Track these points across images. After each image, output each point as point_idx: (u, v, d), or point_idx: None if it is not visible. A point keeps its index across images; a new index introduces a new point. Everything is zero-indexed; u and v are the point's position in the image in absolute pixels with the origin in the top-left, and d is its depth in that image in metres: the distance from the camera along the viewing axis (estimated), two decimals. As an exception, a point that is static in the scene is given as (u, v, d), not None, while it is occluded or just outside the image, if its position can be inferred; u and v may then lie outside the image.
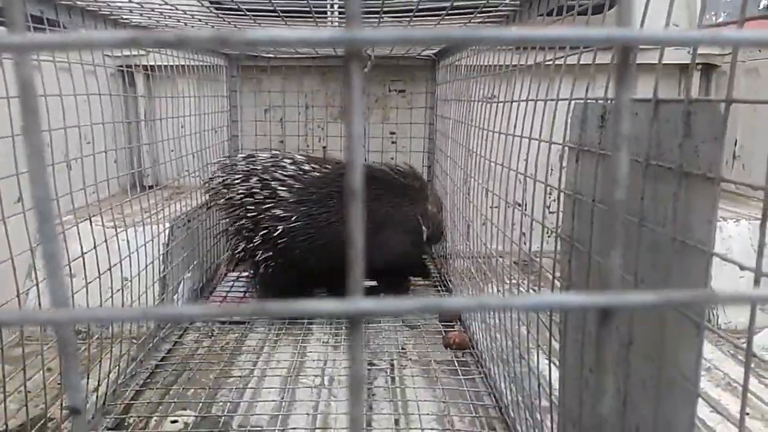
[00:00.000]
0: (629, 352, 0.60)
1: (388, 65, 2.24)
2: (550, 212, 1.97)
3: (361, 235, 0.16)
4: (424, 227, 1.81)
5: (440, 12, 1.24)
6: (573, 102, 0.76)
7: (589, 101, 0.71)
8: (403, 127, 2.34)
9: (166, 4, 1.02)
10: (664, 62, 0.60)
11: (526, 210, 1.02)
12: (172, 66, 1.77)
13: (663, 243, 0.54)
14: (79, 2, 1.04)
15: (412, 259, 1.92)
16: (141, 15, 1.20)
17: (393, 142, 2.37)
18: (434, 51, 2.05)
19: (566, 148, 0.77)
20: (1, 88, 0.92)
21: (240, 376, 1.41)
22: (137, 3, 1.02)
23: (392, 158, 2.33)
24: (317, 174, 1.77)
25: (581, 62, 0.80)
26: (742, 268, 0.45)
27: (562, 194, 0.79)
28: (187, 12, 1.13)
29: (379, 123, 2.36)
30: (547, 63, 0.95)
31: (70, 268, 1.20)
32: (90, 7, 1.12)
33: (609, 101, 0.66)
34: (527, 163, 1.06)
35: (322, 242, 1.71)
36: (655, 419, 0.55)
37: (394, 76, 2.32)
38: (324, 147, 2.36)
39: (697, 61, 2.06)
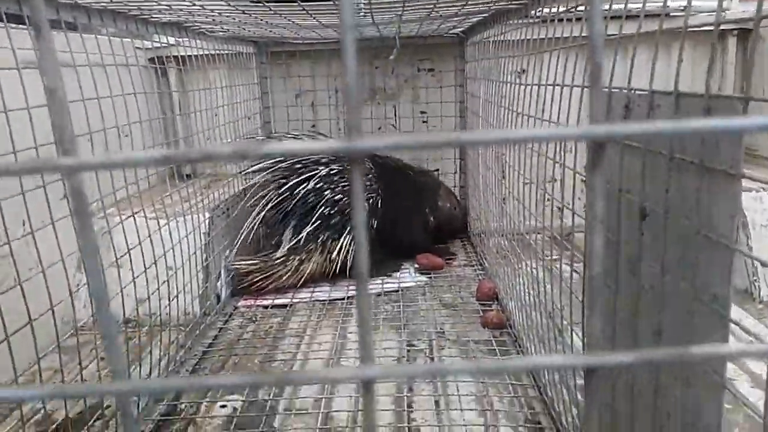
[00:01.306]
0: (659, 341, 0.61)
1: (416, 44, 2.24)
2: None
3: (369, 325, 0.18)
4: (431, 218, 2.10)
5: None
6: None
7: (613, 90, 0.72)
8: (433, 106, 2.34)
9: (194, 5, 1.04)
10: (696, 29, 0.60)
11: (562, 185, 1.02)
12: (203, 55, 1.80)
13: (689, 235, 0.55)
14: (110, 6, 1.07)
15: (422, 246, 2.11)
16: (170, 14, 1.22)
17: (424, 122, 2.37)
18: (462, 29, 2.03)
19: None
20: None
21: (284, 360, 1.45)
22: (166, 5, 1.04)
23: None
24: None
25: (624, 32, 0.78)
26: (764, 264, 0.45)
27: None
28: (215, 10, 1.15)
29: (410, 103, 2.36)
30: (577, 36, 0.94)
31: (117, 261, 1.25)
32: (120, 9, 1.15)
33: (632, 90, 0.66)
34: (558, 145, 1.06)
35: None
36: (684, 407, 0.57)
37: (422, 55, 2.32)
38: (356, 129, 2.37)
39: (732, 27, 2.01)
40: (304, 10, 1.20)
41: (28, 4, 0.20)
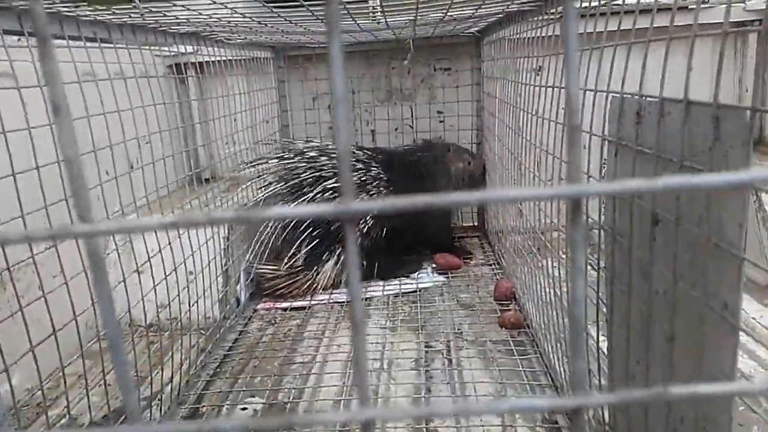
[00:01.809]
0: (672, 347, 0.61)
1: (432, 44, 2.24)
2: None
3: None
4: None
5: None
6: (610, 95, 0.77)
7: (625, 96, 0.72)
8: (450, 106, 2.34)
9: (211, 18, 1.06)
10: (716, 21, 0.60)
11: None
12: (221, 61, 1.82)
13: (699, 243, 0.55)
14: (129, 21, 1.09)
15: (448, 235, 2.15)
16: (188, 26, 1.24)
17: (441, 121, 2.37)
18: (478, 28, 2.03)
19: (606, 141, 0.78)
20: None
21: (303, 363, 1.47)
22: (185, 18, 1.06)
23: (441, 138, 2.35)
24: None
25: (637, 27, 0.73)
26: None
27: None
28: (231, 21, 1.17)
29: (426, 103, 2.36)
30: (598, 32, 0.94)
31: (138, 268, 1.27)
32: (140, 23, 1.17)
33: (644, 97, 0.67)
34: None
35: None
36: (697, 412, 0.57)
37: (438, 54, 2.32)
38: (372, 131, 2.38)
39: (753, 18, 1.99)
40: (314, 15, 1.21)
41: (47, 64, 0.22)
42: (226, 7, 0.96)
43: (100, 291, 0.20)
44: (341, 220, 0.20)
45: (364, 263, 1.89)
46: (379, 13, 1.57)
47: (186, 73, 2.14)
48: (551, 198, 0.19)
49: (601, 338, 0.87)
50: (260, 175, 1.94)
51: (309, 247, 1.83)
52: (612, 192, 0.20)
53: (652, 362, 0.67)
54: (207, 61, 1.86)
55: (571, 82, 0.18)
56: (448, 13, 1.33)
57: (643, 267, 0.68)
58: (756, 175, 0.21)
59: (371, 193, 1.90)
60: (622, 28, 0.80)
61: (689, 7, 1.88)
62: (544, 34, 1.23)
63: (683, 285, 0.59)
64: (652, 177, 0.61)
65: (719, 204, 0.52)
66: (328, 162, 1.90)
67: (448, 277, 1.94)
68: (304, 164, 1.91)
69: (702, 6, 1.83)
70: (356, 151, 1.97)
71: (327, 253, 1.85)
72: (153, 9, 0.94)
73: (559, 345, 1.19)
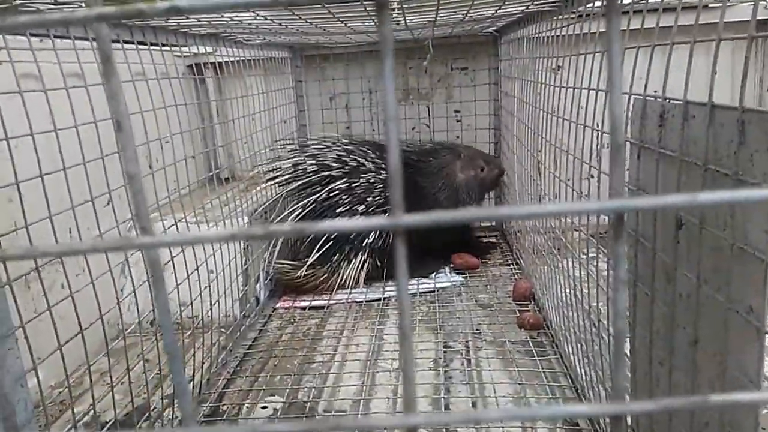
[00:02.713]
0: (696, 351, 0.61)
1: (449, 44, 2.24)
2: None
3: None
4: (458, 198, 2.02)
5: None
6: (632, 97, 0.77)
7: (647, 98, 0.72)
8: (467, 105, 2.34)
9: (232, 20, 1.07)
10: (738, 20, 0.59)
11: (598, 182, 1.02)
12: (240, 61, 1.83)
13: (723, 247, 0.55)
14: (152, 24, 1.11)
15: (463, 233, 2.10)
16: (209, 27, 1.26)
17: (458, 121, 2.37)
18: (496, 28, 2.03)
19: (628, 143, 0.78)
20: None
21: (322, 362, 1.48)
22: (206, 21, 1.07)
23: (458, 137, 2.35)
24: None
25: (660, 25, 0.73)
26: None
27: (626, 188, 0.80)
28: (252, 23, 1.18)
29: (443, 102, 2.36)
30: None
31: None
32: (161, 24, 1.18)
33: (667, 100, 0.66)
34: (599, 146, 1.06)
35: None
36: (722, 416, 0.57)
37: (456, 54, 2.32)
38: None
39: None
40: (335, 17, 1.22)
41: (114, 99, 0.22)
42: (248, 10, 0.97)
43: (160, 302, 0.20)
44: (393, 233, 0.20)
45: (380, 264, 1.89)
46: (397, 13, 1.57)
47: (204, 73, 2.16)
48: (589, 212, 0.19)
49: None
50: (275, 176, 1.95)
51: (325, 246, 1.84)
52: (655, 207, 0.20)
53: (675, 366, 0.67)
54: (225, 62, 1.88)
55: (615, 101, 0.19)
56: (469, 14, 1.33)
57: (666, 270, 0.67)
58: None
59: (363, 194, 1.89)
60: (644, 26, 0.80)
61: (710, 5, 1.86)
62: (563, 33, 1.22)
63: (707, 288, 0.59)
64: (677, 179, 0.60)
65: (744, 209, 0.52)
66: (336, 163, 1.91)
67: (465, 277, 1.94)
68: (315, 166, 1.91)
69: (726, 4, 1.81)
70: (354, 147, 1.96)
71: (342, 253, 1.85)
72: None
73: (579, 346, 1.18)
